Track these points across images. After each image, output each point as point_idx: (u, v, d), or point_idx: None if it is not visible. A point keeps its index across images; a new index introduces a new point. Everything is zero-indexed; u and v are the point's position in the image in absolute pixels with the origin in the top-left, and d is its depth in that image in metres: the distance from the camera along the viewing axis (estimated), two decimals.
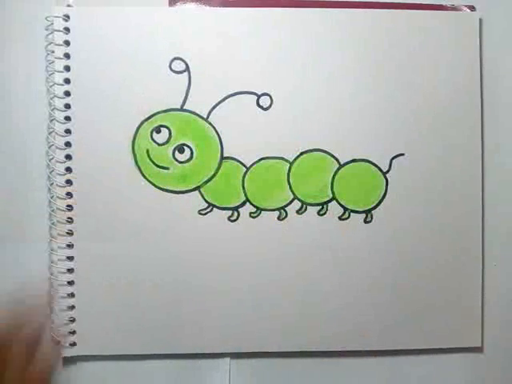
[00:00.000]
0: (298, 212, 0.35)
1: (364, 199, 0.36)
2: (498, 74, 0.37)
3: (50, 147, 0.34)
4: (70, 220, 0.34)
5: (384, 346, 0.36)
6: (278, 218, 0.35)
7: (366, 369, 0.36)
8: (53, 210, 0.34)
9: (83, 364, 0.35)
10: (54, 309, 0.34)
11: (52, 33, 0.34)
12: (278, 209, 0.35)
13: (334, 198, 0.35)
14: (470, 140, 0.36)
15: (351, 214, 0.35)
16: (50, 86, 0.34)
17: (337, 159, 0.35)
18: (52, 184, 0.34)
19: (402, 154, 0.36)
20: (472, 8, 0.36)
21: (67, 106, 0.34)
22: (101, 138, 0.34)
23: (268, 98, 0.35)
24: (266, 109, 0.35)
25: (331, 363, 0.36)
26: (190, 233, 0.35)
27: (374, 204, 0.36)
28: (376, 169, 0.36)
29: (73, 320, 0.34)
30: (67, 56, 0.34)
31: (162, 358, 0.35)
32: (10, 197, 0.35)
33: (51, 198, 0.34)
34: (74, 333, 0.35)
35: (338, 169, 0.35)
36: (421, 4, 0.36)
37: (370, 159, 0.35)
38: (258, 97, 0.35)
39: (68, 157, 0.34)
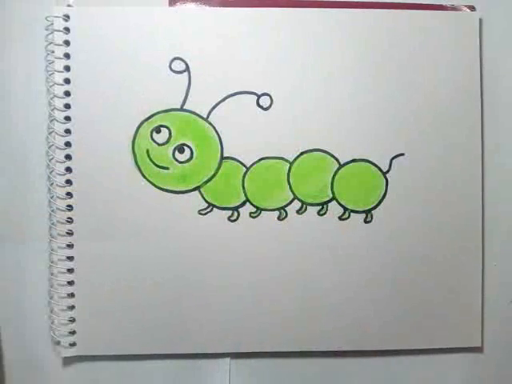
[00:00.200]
0: (298, 212, 0.35)
1: (364, 199, 0.36)
2: (498, 74, 0.37)
3: (49, 147, 0.34)
4: (69, 220, 0.34)
5: (384, 346, 0.36)
6: (278, 218, 0.35)
7: (366, 369, 0.36)
8: (53, 210, 0.34)
9: (83, 364, 0.35)
10: (54, 309, 0.35)
11: (52, 33, 0.34)
12: (278, 209, 0.35)
13: (334, 198, 0.35)
14: (470, 140, 0.36)
15: (351, 213, 0.35)
16: (50, 86, 0.34)
17: (337, 159, 0.35)
18: (52, 184, 0.34)
19: (402, 154, 0.36)
20: (472, 8, 0.36)
21: (67, 106, 0.34)
22: (101, 138, 0.34)
23: (268, 97, 0.35)
24: (266, 109, 0.35)
25: (331, 363, 0.36)
26: (190, 233, 0.35)
27: (374, 204, 0.36)
28: (376, 169, 0.36)
29: (73, 320, 0.34)
30: (67, 56, 0.34)
31: (162, 358, 0.35)
32: (10, 197, 0.35)
33: (51, 198, 0.34)
34: (73, 333, 0.35)
35: (338, 169, 0.35)
36: (421, 4, 0.36)
37: (370, 159, 0.35)
38: (258, 97, 0.35)
39: (68, 157, 0.34)
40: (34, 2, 0.35)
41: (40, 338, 0.35)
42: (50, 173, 0.34)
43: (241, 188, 0.35)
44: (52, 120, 0.34)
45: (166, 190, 0.35)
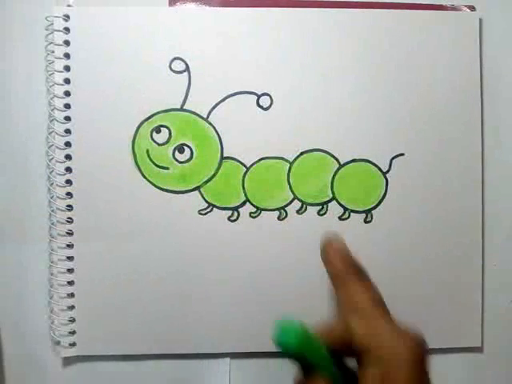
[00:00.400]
0: (298, 212, 0.35)
1: (364, 199, 0.36)
2: (498, 74, 0.37)
3: (49, 147, 0.34)
4: (69, 220, 0.34)
5: None
6: (278, 218, 0.35)
7: None
8: (53, 210, 0.34)
9: (83, 364, 0.35)
10: (54, 309, 0.34)
11: (52, 33, 0.34)
12: (278, 209, 0.35)
13: (333, 198, 0.35)
14: (470, 140, 0.36)
15: (351, 213, 0.35)
16: (50, 86, 0.34)
17: (337, 159, 0.35)
18: (52, 184, 0.34)
19: (402, 154, 0.36)
20: (472, 8, 0.36)
21: (67, 106, 0.34)
22: (101, 137, 0.34)
23: (268, 97, 0.35)
24: (266, 109, 0.35)
25: None
26: (189, 233, 0.35)
27: (374, 204, 0.36)
28: (376, 169, 0.36)
29: (73, 320, 0.34)
30: (67, 56, 0.34)
31: (162, 358, 0.35)
32: (10, 197, 0.35)
33: (51, 198, 0.34)
34: (73, 333, 0.35)
35: (338, 169, 0.35)
36: (421, 4, 0.36)
37: (370, 159, 0.35)
38: (258, 97, 0.35)
39: (68, 157, 0.34)
40: (34, 2, 0.35)
41: (40, 337, 0.35)
42: (50, 173, 0.34)
43: (241, 188, 0.35)
44: (52, 120, 0.34)
45: (166, 190, 0.35)
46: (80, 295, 0.34)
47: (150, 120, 0.35)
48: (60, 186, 0.34)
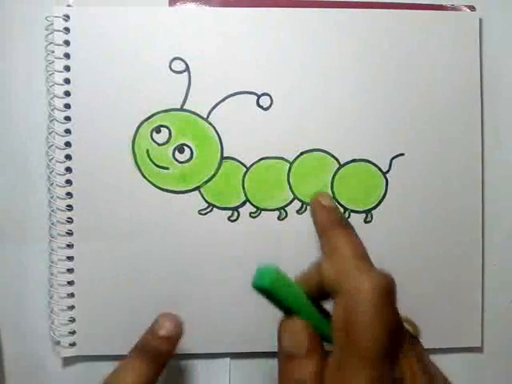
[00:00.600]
0: (298, 212, 0.35)
1: (364, 199, 0.36)
2: (498, 74, 0.37)
3: (49, 147, 0.34)
4: (69, 220, 0.34)
5: None
6: (278, 218, 0.35)
7: None
8: (53, 210, 0.34)
9: (83, 364, 0.35)
10: (54, 309, 0.34)
11: (52, 33, 0.34)
12: (277, 209, 0.35)
13: (334, 198, 0.35)
14: (470, 140, 0.36)
15: (351, 213, 0.35)
16: (50, 86, 0.34)
17: (337, 159, 0.35)
18: (52, 184, 0.34)
19: (402, 154, 0.36)
20: (472, 8, 0.36)
21: (67, 106, 0.34)
22: (101, 137, 0.34)
23: (268, 97, 0.35)
24: (266, 109, 0.35)
25: None
26: (189, 233, 0.35)
27: (374, 204, 0.36)
28: (376, 169, 0.36)
29: (73, 320, 0.34)
30: (67, 56, 0.34)
31: None
32: (10, 197, 0.35)
33: (51, 198, 0.34)
34: (73, 333, 0.35)
35: (338, 169, 0.35)
36: (421, 4, 0.36)
37: (370, 159, 0.35)
38: (258, 97, 0.35)
39: (68, 157, 0.34)
40: (34, 2, 0.35)
41: (40, 337, 0.35)
42: (50, 173, 0.34)
43: (241, 188, 0.35)
44: (52, 120, 0.34)
45: (166, 190, 0.35)
46: (80, 295, 0.34)
47: (150, 120, 0.35)
48: (60, 186, 0.34)
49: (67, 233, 0.34)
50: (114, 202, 0.34)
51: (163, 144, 0.35)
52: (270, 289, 0.23)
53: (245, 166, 0.35)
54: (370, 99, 0.35)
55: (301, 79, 0.35)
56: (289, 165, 0.35)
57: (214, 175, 0.35)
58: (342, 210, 0.35)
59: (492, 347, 0.37)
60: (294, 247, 0.35)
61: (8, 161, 0.35)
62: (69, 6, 0.35)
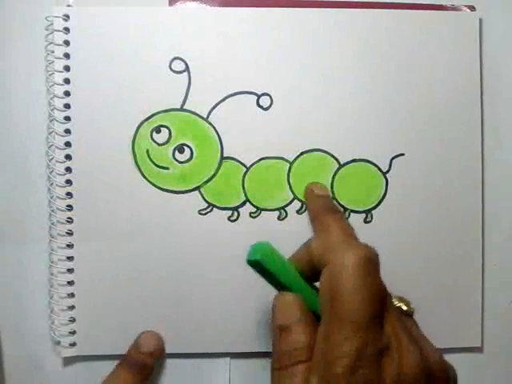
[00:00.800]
0: (298, 212, 0.35)
1: (364, 199, 0.36)
2: (498, 74, 0.37)
3: (49, 147, 0.34)
4: (69, 220, 0.34)
5: None
6: (278, 218, 0.35)
7: None
8: (53, 210, 0.34)
9: (83, 364, 0.35)
10: (54, 309, 0.35)
11: (52, 33, 0.34)
12: (277, 209, 0.35)
13: (334, 198, 0.35)
14: (470, 140, 0.36)
15: (351, 213, 0.35)
16: (50, 86, 0.34)
17: (337, 159, 0.35)
18: (52, 184, 0.34)
19: (402, 154, 0.36)
20: (472, 8, 0.36)
21: (67, 106, 0.34)
22: (101, 137, 0.34)
23: (268, 97, 0.35)
24: (266, 109, 0.35)
25: None
26: (189, 233, 0.35)
27: (374, 204, 0.36)
28: (376, 169, 0.36)
29: (73, 320, 0.34)
30: (67, 56, 0.34)
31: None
32: (10, 197, 0.35)
33: (51, 198, 0.34)
34: (73, 333, 0.35)
35: (338, 169, 0.35)
36: (421, 4, 0.36)
37: (370, 159, 0.35)
38: (258, 97, 0.35)
39: (68, 157, 0.34)
40: (34, 2, 0.35)
41: (40, 337, 0.35)
42: (50, 173, 0.34)
43: (241, 188, 0.35)
44: (52, 120, 0.34)
45: (166, 190, 0.35)
46: (80, 295, 0.34)
47: (150, 120, 0.35)
48: (60, 186, 0.34)
49: (67, 233, 0.34)
50: (114, 202, 0.34)
51: (163, 144, 0.35)
52: (261, 262, 0.24)
53: (245, 166, 0.35)
54: (370, 99, 0.35)
55: (301, 79, 0.35)
56: (289, 165, 0.35)
57: (214, 175, 0.35)
58: (342, 210, 0.35)
59: (492, 347, 0.37)
60: (293, 247, 0.35)
61: (8, 161, 0.35)
62: (69, 5, 0.35)
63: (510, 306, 0.37)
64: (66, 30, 0.34)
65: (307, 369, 0.22)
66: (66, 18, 0.34)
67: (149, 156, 0.35)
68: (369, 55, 0.35)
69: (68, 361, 0.35)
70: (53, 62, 0.34)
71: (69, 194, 0.34)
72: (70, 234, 0.34)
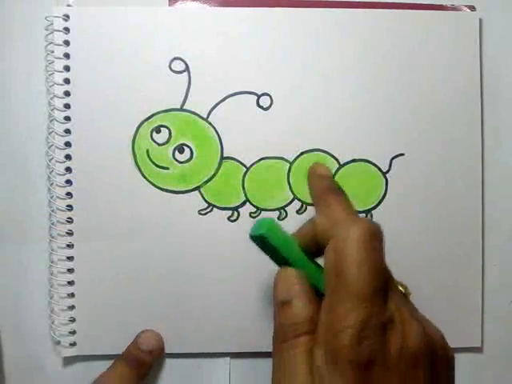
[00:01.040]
0: (297, 212, 0.35)
1: (364, 199, 0.36)
2: (498, 74, 0.37)
3: (49, 147, 0.34)
4: (69, 220, 0.34)
5: None
6: (278, 218, 0.35)
7: None
8: (53, 210, 0.34)
9: (83, 364, 0.35)
10: (54, 309, 0.35)
11: (52, 33, 0.34)
12: (278, 209, 0.35)
13: None
14: (470, 141, 0.36)
15: None
16: (50, 86, 0.34)
17: (337, 159, 0.35)
18: (52, 184, 0.34)
19: (402, 154, 0.36)
20: (472, 8, 0.36)
21: (67, 106, 0.34)
22: (101, 137, 0.34)
23: (268, 97, 0.35)
24: (266, 109, 0.35)
25: None
26: (189, 233, 0.35)
27: (374, 204, 0.36)
28: (376, 169, 0.36)
29: (73, 320, 0.34)
30: (67, 56, 0.34)
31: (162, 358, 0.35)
32: (10, 197, 0.35)
33: (51, 198, 0.34)
34: (74, 333, 0.35)
35: (338, 169, 0.35)
36: (421, 4, 0.36)
37: (370, 159, 0.35)
38: (258, 97, 0.35)
39: (68, 157, 0.34)
40: (34, 2, 0.35)
41: (40, 337, 0.35)
42: (50, 173, 0.34)
43: (241, 188, 0.35)
44: (52, 120, 0.34)
45: (166, 190, 0.35)
46: (80, 295, 0.34)
47: (150, 120, 0.35)
48: (60, 186, 0.34)
49: (67, 233, 0.34)
50: (114, 202, 0.34)
51: (163, 144, 0.35)
52: (266, 236, 0.24)
53: (245, 166, 0.35)
54: (371, 99, 0.35)
55: (301, 79, 0.35)
56: (289, 165, 0.35)
57: (214, 175, 0.35)
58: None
59: (492, 347, 0.37)
60: None
61: (8, 161, 0.35)
62: (69, 5, 0.35)
63: (510, 306, 0.37)
64: (66, 29, 0.34)
65: (310, 341, 0.22)
66: (66, 18, 0.34)
67: (149, 156, 0.35)
68: (369, 55, 0.35)
69: (68, 361, 0.35)
70: (53, 62, 0.34)
71: (69, 194, 0.34)
72: (70, 234, 0.34)
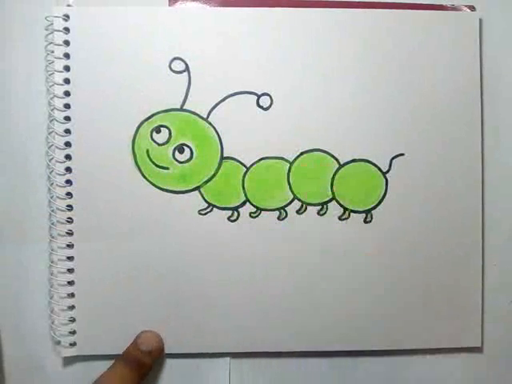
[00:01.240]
0: (297, 212, 0.35)
1: (364, 199, 0.36)
2: (498, 74, 0.37)
3: (49, 147, 0.34)
4: (69, 220, 0.34)
5: (384, 346, 0.36)
6: (278, 218, 0.35)
7: (366, 369, 0.36)
8: (53, 210, 0.34)
9: (83, 364, 0.35)
10: (54, 309, 0.35)
11: (52, 33, 0.34)
12: (277, 209, 0.35)
13: (333, 198, 0.35)
14: (470, 141, 0.36)
15: (351, 213, 0.35)
16: (50, 86, 0.34)
17: (337, 159, 0.35)
18: (52, 184, 0.34)
19: (402, 154, 0.36)
20: (472, 8, 0.36)
21: (67, 106, 0.34)
22: (101, 137, 0.34)
23: (268, 97, 0.35)
24: (266, 109, 0.35)
25: (331, 363, 0.36)
26: (189, 233, 0.35)
27: (374, 204, 0.36)
28: (376, 169, 0.36)
29: (73, 320, 0.34)
30: (67, 56, 0.34)
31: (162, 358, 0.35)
32: (10, 197, 0.35)
33: (51, 198, 0.34)
34: (74, 333, 0.35)
35: (338, 169, 0.35)
36: (421, 4, 0.36)
37: (370, 159, 0.35)
38: (258, 97, 0.35)
39: (68, 157, 0.34)
40: (34, 2, 0.35)
41: (40, 337, 0.35)
42: (50, 173, 0.34)
43: (241, 188, 0.35)
44: (52, 120, 0.34)
45: (166, 190, 0.35)
46: (80, 295, 0.34)
47: (150, 120, 0.35)
48: (60, 186, 0.34)
49: (67, 233, 0.34)
50: (114, 202, 0.34)
51: (163, 144, 0.35)
52: None
53: (245, 166, 0.35)
54: (371, 99, 0.35)
55: (301, 79, 0.35)
56: (289, 165, 0.35)
57: (214, 175, 0.35)
58: (342, 210, 0.35)
59: (492, 347, 0.37)
60: (294, 247, 0.35)
61: (8, 161, 0.35)
62: (69, 5, 0.35)
63: (510, 306, 0.37)
64: (66, 30, 0.34)
65: None
66: (66, 18, 0.34)
67: (149, 156, 0.35)
68: (369, 55, 0.35)
69: (68, 361, 0.35)
70: (53, 62, 0.34)
71: (69, 194, 0.34)
72: (70, 234, 0.34)
